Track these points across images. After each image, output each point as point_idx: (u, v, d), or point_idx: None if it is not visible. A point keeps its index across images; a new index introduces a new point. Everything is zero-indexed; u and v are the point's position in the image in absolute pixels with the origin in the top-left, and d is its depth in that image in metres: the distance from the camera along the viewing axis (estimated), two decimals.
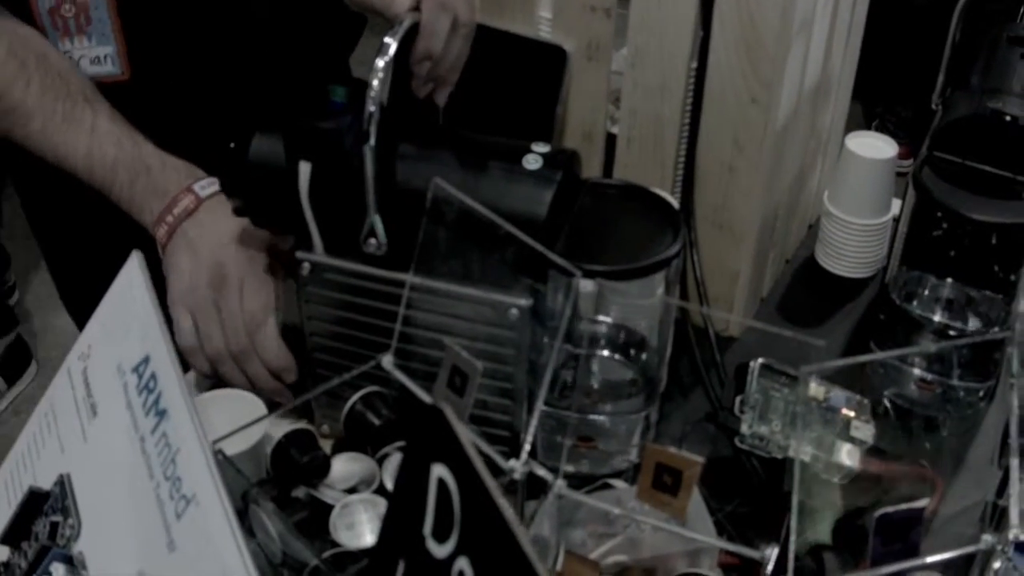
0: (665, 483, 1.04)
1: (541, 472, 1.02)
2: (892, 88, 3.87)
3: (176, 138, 1.48)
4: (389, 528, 0.87)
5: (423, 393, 1.07)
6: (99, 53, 1.55)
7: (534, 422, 1.08)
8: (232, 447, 1.17)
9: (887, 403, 1.45)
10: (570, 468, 1.32)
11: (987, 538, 0.96)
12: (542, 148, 1.23)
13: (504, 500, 0.73)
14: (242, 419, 1.18)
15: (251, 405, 1.31)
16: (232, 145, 1.29)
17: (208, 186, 1.41)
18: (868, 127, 3.99)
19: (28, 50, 1.47)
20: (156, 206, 1.40)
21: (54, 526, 1.11)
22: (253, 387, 1.38)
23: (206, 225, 1.39)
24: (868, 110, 4.15)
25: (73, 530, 1.10)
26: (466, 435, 0.78)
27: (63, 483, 1.13)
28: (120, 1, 1.51)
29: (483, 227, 1.12)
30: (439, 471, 0.79)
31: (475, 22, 1.33)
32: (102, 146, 1.43)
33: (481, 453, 0.77)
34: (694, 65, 1.43)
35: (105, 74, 1.55)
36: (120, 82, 1.55)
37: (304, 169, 1.22)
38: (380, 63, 1.19)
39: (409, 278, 1.19)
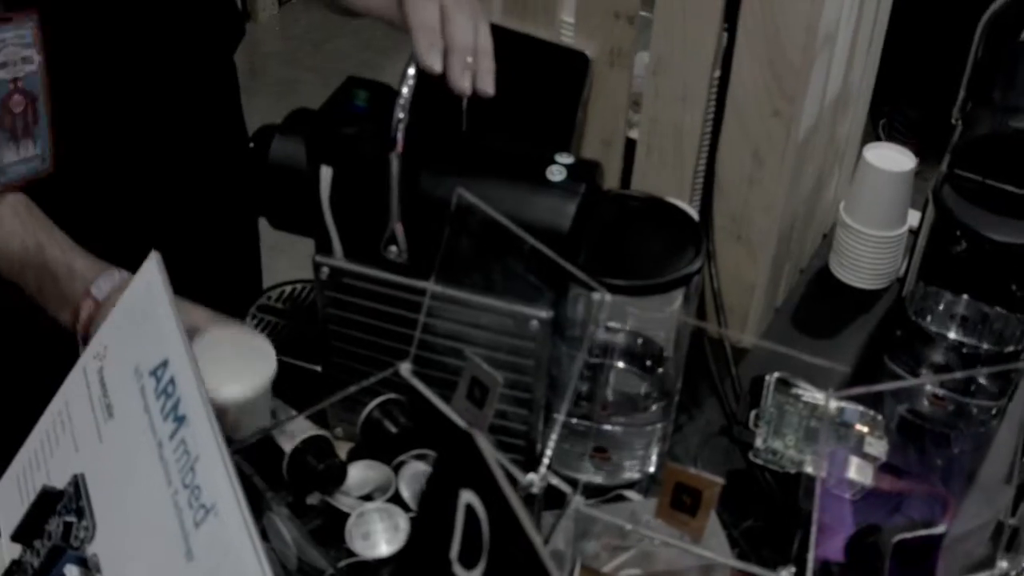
0: (684, 503, 1.04)
1: (558, 483, 1.02)
2: (899, 88, 3.86)
3: (98, 228, 1.47)
4: (414, 550, 0.87)
5: (441, 402, 1.07)
6: (36, 152, 1.49)
7: (554, 436, 1.08)
8: (236, 392, 1.20)
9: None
10: (583, 477, 1.32)
11: (1002, 564, 0.96)
12: (566, 159, 1.22)
13: (535, 530, 0.73)
14: (248, 362, 1.19)
15: (257, 346, 1.29)
16: (252, 145, 1.28)
17: (104, 284, 1.38)
18: (875, 128, 3.98)
19: None
20: (65, 315, 1.39)
21: (68, 526, 1.11)
22: None
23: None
24: (875, 110, 4.14)
25: (88, 532, 1.09)
26: (496, 462, 0.78)
27: (77, 483, 1.13)
28: (54, 94, 1.46)
29: (505, 238, 1.11)
30: (468, 497, 0.78)
31: (484, 17, 1.32)
32: (8, 246, 1.40)
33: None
34: (717, 74, 1.43)
35: (34, 171, 1.48)
36: (43, 176, 1.48)
37: (325, 173, 1.21)
38: (410, 71, 1.19)
39: (430, 286, 1.19)
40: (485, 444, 0.78)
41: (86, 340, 1.35)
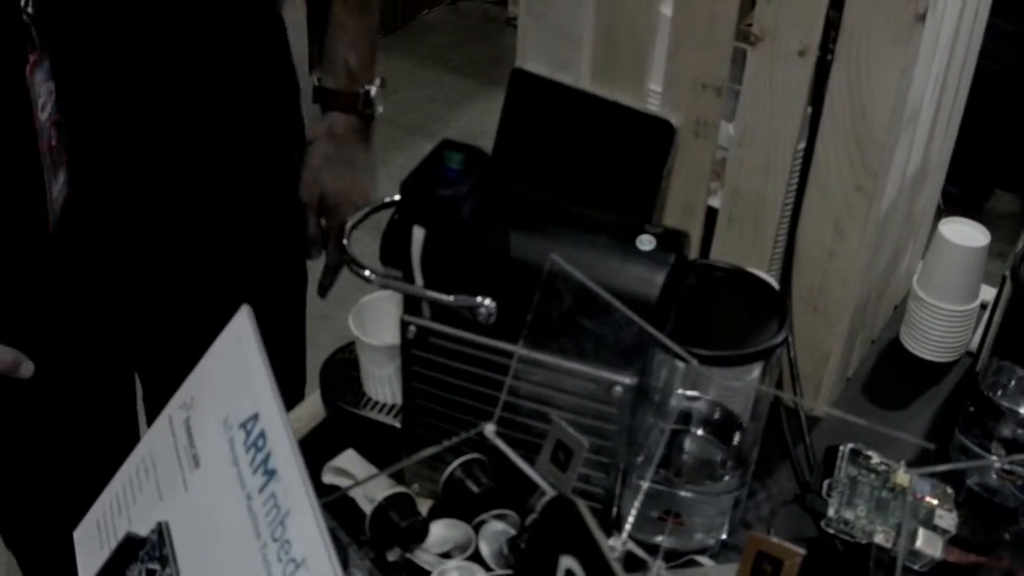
0: (764, 571, 1.05)
1: (633, 548, 1.03)
2: (955, 156, 3.86)
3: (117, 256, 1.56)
4: None
5: (526, 464, 1.09)
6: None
7: (637, 503, 1.09)
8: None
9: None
10: (656, 541, 1.33)
11: None
12: (655, 229, 1.24)
13: None
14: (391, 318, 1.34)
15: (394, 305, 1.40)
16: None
17: None
18: None
19: None
20: None
21: (151, 573, 1.12)
22: None
23: None
24: None
25: None
26: (598, 529, 0.79)
27: (162, 531, 1.14)
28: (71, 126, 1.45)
29: (594, 304, 1.13)
30: (568, 563, 0.80)
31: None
32: None
33: None
34: (801, 146, 1.44)
35: (61, 199, 1.49)
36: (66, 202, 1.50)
37: (418, 234, 1.23)
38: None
39: (518, 349, 1.20)
40: (587, 512, 0.80)
41: None
